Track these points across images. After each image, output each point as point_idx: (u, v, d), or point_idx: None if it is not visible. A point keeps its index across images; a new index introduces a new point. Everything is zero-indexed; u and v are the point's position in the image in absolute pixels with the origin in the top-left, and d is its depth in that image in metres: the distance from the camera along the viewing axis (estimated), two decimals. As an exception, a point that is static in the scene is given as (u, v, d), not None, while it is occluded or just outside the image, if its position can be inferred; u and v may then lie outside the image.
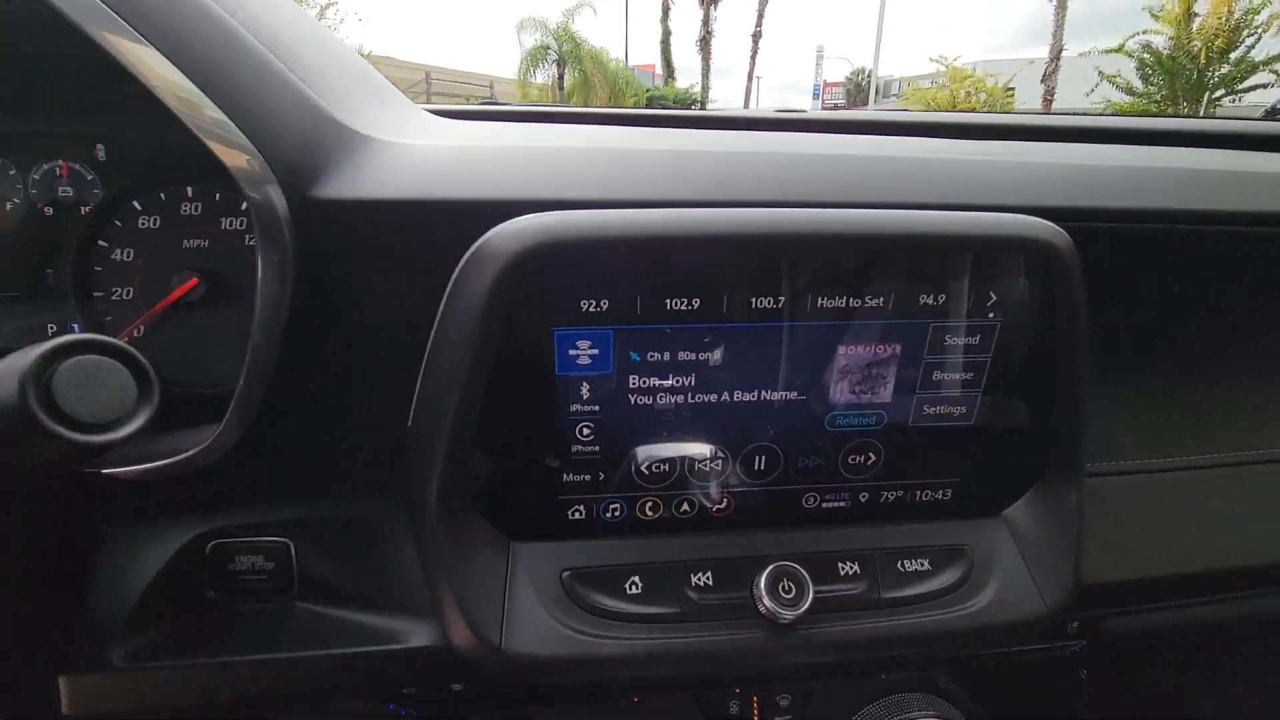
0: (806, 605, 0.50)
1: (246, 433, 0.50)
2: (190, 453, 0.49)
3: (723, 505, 0.55)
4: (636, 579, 0.52)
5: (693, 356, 0.50)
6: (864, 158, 0.58)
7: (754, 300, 0.48)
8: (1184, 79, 13.44)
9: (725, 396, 0.51)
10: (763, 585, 0.50)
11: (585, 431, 0.51)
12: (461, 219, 0.47)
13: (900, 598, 0.52)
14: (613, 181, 0.53)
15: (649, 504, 0.54)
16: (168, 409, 0.61)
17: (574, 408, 0.50)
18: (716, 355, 0.50)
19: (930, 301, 0.50)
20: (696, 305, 0.48)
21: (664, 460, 0.53)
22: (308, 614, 0.54)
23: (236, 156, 0.44)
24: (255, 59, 0.49)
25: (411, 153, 0.52)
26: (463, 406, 0.47)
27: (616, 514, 0.54)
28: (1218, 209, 0.57)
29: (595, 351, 0.49)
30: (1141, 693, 0.86)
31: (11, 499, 0.45)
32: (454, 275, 0.46)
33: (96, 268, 0.62)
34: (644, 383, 0.50)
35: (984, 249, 0.48)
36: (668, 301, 0.48)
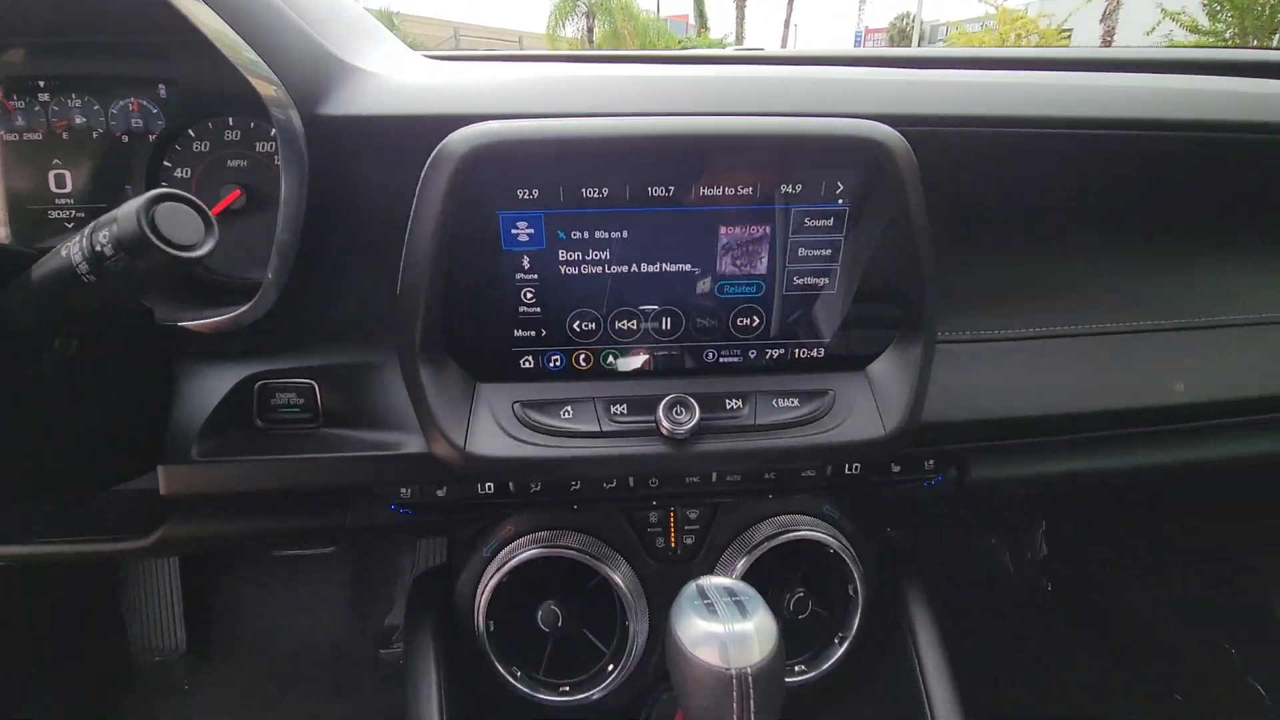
0: (693, 423, 0.66)
1: (278, 300, 0.68)
2: (238, 312, 0.68)
3: (640, 359, 0.71)
4: (569, 408, 0.69)
5: (607, 235, 0.65)
6: (750, 77, 0.72)
7: (649, 189, 0.63)
8: (1254, 15, 12.57)
9: (635, 268, 0.67)
10: (661, 410, 0.67)
11: (529, 295, 0.67)
12: (427, 129, 0.63)
13: (770, 423, 0.68)
14: (543, 99, 0.68)
15: (582, 356, 0.70)
16: (221, 293, 0.80)
17: (519, 276, 0.66)
18: (625, 234, 0.65)
19: (790, 190, 0.64)
20: (606, 193, 0.63)
21: (591, 320, 0.69)
22: (330, 435, 0.72)
23: (267, 87, 0.60)
24: (275, 11, 0.65)
25: (393, 80, 0.68)
26: (434, 274, 0.63)
27: (558, 364, 0.71)
28: (1035, 114, 0.70)
29: (531, 231, 0.64)
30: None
31: (123, 316, 0.63)
32: (423, 172, 0.62)
33: (162, 183, 0.80)
34: (570, 256, 0.66)
35: (826, 146, 0.62)
36: (583, 190, 0.63)
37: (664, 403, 0.67)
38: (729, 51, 1.13)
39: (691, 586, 0.59)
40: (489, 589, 0.76)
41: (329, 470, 0.70)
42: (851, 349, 0.72)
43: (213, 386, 0.70)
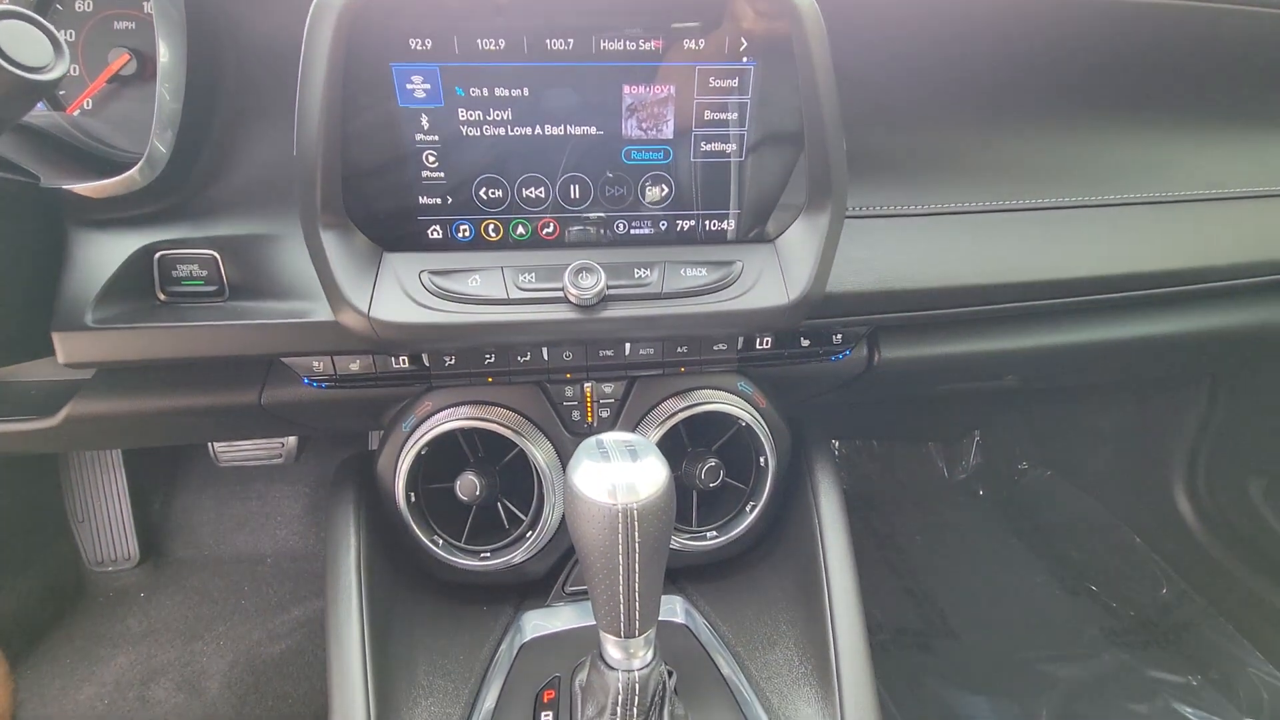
0: (599, 287, 0.66)
1: (172, 166, 0.66)
2: (127, 174, 0.65)
3: (550, 230, 0.71)
4: (477, 276, 0.68)
5: (507, 92, 0.63)
6: None
7: (548, 42, 0.61)
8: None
9: (539, 130, 0.65)
10: (567, 275, 0.67)
11: (431, 159, 0.66)
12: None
13: (677, 290, 0.69)
14: None
15: (491, 226, 0.70)
16: (115, 168, 0.77)
17: (418, 137, 0.65)
18: (526, 92, 0.63)
19: (694, 46, 0.63)
20: (503, 45, 0.61)
21: (497, 187, 0.68)
22: (236, 308, 0.71)
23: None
24: None
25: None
26: (328, 133, 0.61)
27: (466, 234, 0.70)
28: None
29: (428, 86, 0.62)
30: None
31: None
32: (306, 22, 0.59)
33: (45, 45, 0.75)
34: (470, 115, 0.64)
35: (737, 9, 0.61)
36: (479, 42, 0.61)
37: (570, 268, 0.67)
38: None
39: (591, 440, 0.61)
40: (408, 461, 0.77)
41: (233, 338, 0.69)
42: (761, 223, 0.72)
43: (108, 255, 0.68)
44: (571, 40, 0.61)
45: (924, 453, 2.06)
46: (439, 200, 0.68)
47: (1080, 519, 1.73)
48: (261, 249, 0.72)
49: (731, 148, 0.68)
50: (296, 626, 1.57)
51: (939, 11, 0.72)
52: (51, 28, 0.47)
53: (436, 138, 0.65)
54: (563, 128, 0.66)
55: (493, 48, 0.61)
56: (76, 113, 0.79)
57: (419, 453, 0.77)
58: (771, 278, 0.71)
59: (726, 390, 0.82)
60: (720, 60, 0.64)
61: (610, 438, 0.61)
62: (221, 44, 0.65)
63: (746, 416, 0.81)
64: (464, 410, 0.78)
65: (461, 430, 0.77)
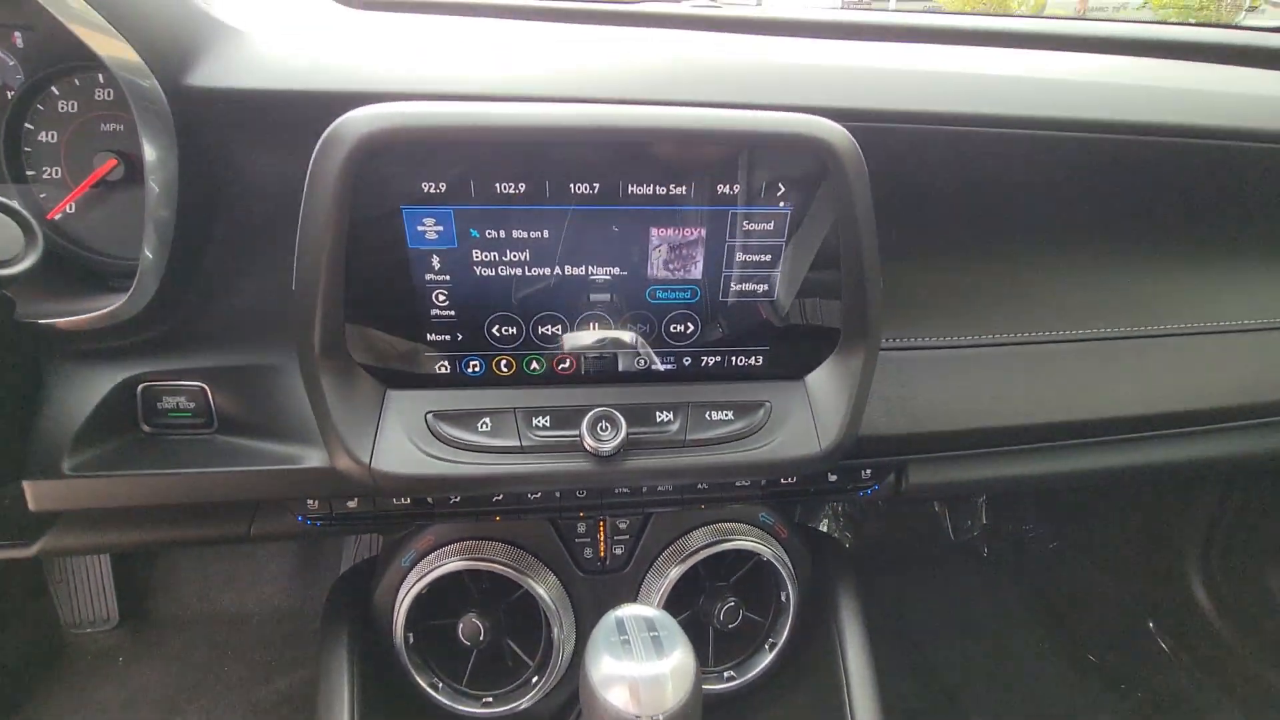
0: (620, 440, 0.62)
1: (159, 293, 0.61)
2: (114, 306, 0.60)
3: (566, 365, 0.66)
4: (487, 420, 0.64)
5: (525, 234, 0.59)
6: (688, 59, 0.64)
7: (573, 186, 0.57)
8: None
9: (558, 270, 0.61)
10: (584, 426, 0.62)
11: (441, 298, 0.61)
12: (314, 108, 0.55)
13: (702, 438, 0.65)
14: (450, 75, 0.60)
15: (503, 362, 0.65)
16: (99, 276, 0.71)
17: (429, 277, 0.60)
18: (546, 234, 0.59)
19: (728, 190, 0.58)
20: (523, 189, 0.56)
21: (511, 325, 0.63)
22: (226, 444, 0.66)
23: (107, 44, 0.51)
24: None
25: (273, 45, 0.59)
26: (330, 275, 0.57)
27: (476, 370, 0.65)
28: (993, 113, 0.65)
29: (440, 228, 0.58)
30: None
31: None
32: (311, 159, 0.54)
33: (26, 149, 0.70)
34: (486, 256, 0.59)
35: (766, 144, 0.56)
36: (497, 185, 0.56)
37: (588, 418, 0.63)
38: (682, 9, 1.04)
39: (610, 619, 0.56)
40: (407, 601, 0.72)
41: (218, 485, 0.64)
42: (790, 358, 0.68)
43: (87, 390, 0.63)
44: (598, 185, 0.57)
45: (930, 512, 2.02)
46: (448, 337, 0.63)
47: (1089, 593, 1.69)
48: (255, 381, 0.67)
49: (763, 288, 0.64)
50: (281, 700, 1.50)
51: (974, 145, 0.68)
52: (25, 213, 0.42)
53: (448, 277, 0.60)
54: (584, 268, 0.61)
55: (512, 191, 0.57)
56: (58, 217, 0.74)
57: (419, 593, 0.72)
58: (801, 422, 0.66)
59: (747, 523, 0.78)
60: (756, 204, 0.59)
61: (632, 618, 0.56)
62: (216, 163, 0.60)
63: (768, 553, 0.77)
64: (466, 546, 0.73)
65: (464, 571, 0.72)
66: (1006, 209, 0.74)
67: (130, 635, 1.62)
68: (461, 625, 0.72)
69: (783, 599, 0.79)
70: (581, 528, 0.77)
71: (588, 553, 0.77)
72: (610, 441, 0.62)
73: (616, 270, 0.61)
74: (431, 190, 0.56)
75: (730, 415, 0.66)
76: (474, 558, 0.72)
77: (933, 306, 0.74)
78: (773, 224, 0.60)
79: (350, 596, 0.79)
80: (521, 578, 0.72)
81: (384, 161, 0.54)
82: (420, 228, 0.57)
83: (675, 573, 0.74)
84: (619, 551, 0.78)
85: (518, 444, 0.63)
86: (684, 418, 0.65)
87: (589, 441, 0.62)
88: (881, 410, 0.71)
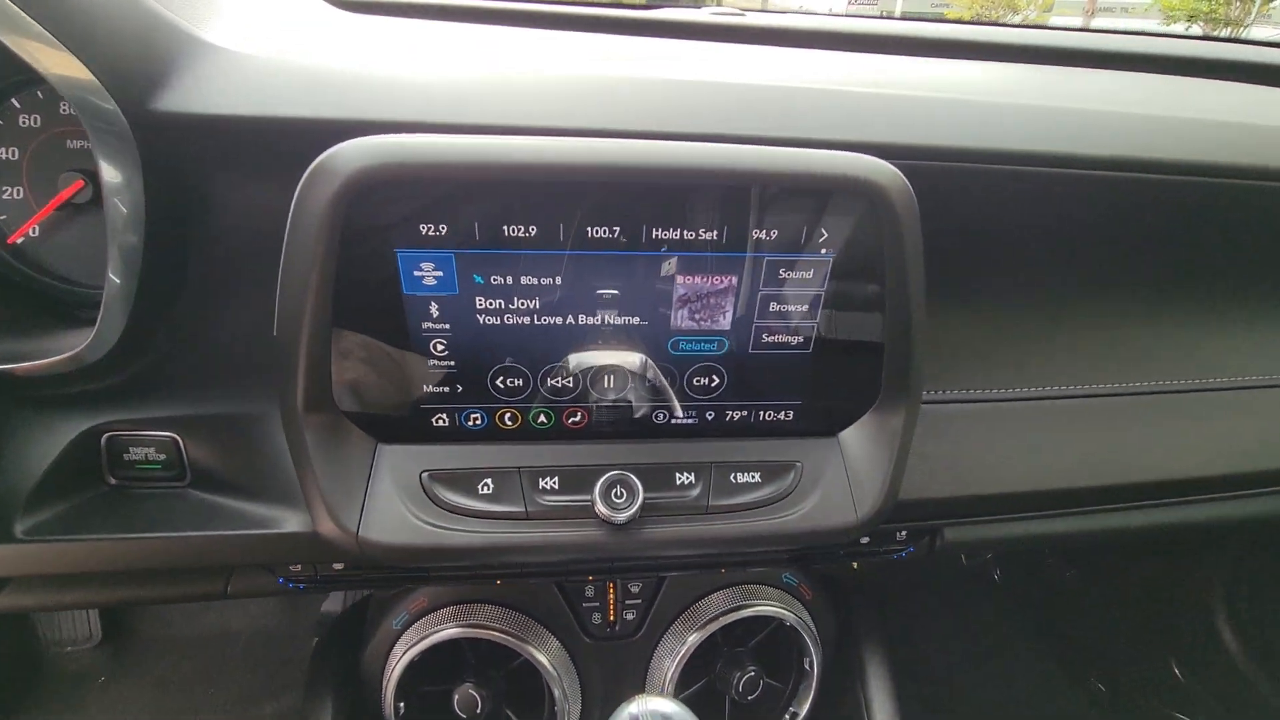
0: (636, 509, 0.56)
1: (127, 335, 0.54)
2: (76, 350, 0.53)
3: (576, 418, 0.59)
4: (489, 481, 0.57)
5: (535, 281, 0.52)
6: (719, 85, 0.58)
7: (590, 230, 0.50)
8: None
9: (570, 320, 0.54)
10: (597, 491, 0.56)
11: (439, 347, 0.55)
12: (302, 137, 0.48)
13: (727, 505, 0.58)
14: (453, 102, 0.53)
15: (507, 415, 0.59)
16: (69, 306, 0.65)
17: (425, 325, 0.53)
18: (558, 281, 0.52)
19: (763, 236, 0.52)
20: (534, 233, 0.50)
21: (517, 377, 0.57)
22: (200, 501, 0.60)
23: (53, 59, 0.44)
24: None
25: (255, 64, 0.52)
26: (314, 321, 0.50)
27: (478, 423, 0.59)
28: (1045, 150, 0.58)
29: (440, 274, 0.51)
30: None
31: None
32: (295, 195, 0.48)
33: (-17, 169, 0.63)
34: (490, 304, 0.53)
35: (812, 187, 0.50)
36: (505, 228, 0.50)
37: (601, 483, 0.56)
38: (702, 16, 0.97)
39: (624, 714, 0.50)
40: (398, 668, 0.66)
41: (194, 551, 0.58)
42: (824, 412, 0.61)
43: (45, 442, 0.57)
44: (618, 229, 0.51)
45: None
46: (446, 389, 0.57)
47: (1108, 629, 1.64)
48: (233, 432, 0.60)
49: (798, 339, 0.57)
50: (269, 727, 1.44)
51: (1028, 185, 0.62)
52: None
53: (447, 326, 0.54)
54: (600, 317, 0.55)
55: (522, 235, 0.50)
56: (19, 241, 0.67)
57: (412, 660, 0.66)
58: (836, 486, 0.60)
59: (769, 585, 0.71)
60: (794, 251, 0.53)
61: (645, 711, 0.50)
62: (188, 191, 0.53)
63: (791, 618, 0.70)
64: (462, 610, 0.67)
65: (461, 638, 0.66)
66: (1056, 251, 0.68)
67: (113, 655, 1.56)
68: (457, 696, 0.66)
69: (806, 666, 0.73)
70: (589, 591, 0.71)
71: (596, 618, 0.71)
72: (626, 510, 0.56)
73: (636, 320, 0.55)
74: (430, 232, 0.49)
75: (758, 478, 0.60)
76: (471, 624, 0.66)
77: (974, 356, 0.68)
78: (812, 272, 0.54)
79: (336, 655, 0.73)
80: (521, 646, 0.66)
81: (377, 200, 0.48)
82: (417, 273, 0.51)
83: (692, 640, 0.68)
84: (630, 617, 0.72)
85: (523, 510, 0.57)
86: (707, 480, 0.59)
87: (602, 509, 0.56)
88: (922, 470, 0.64)
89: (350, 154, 0.46)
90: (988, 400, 0.67)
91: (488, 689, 0.66)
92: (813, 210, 0.52)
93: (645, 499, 0.56)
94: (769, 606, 0.69)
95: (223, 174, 0.53)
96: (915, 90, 0.60)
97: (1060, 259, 0.67)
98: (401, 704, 0.68)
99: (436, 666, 0.68)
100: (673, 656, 0.68)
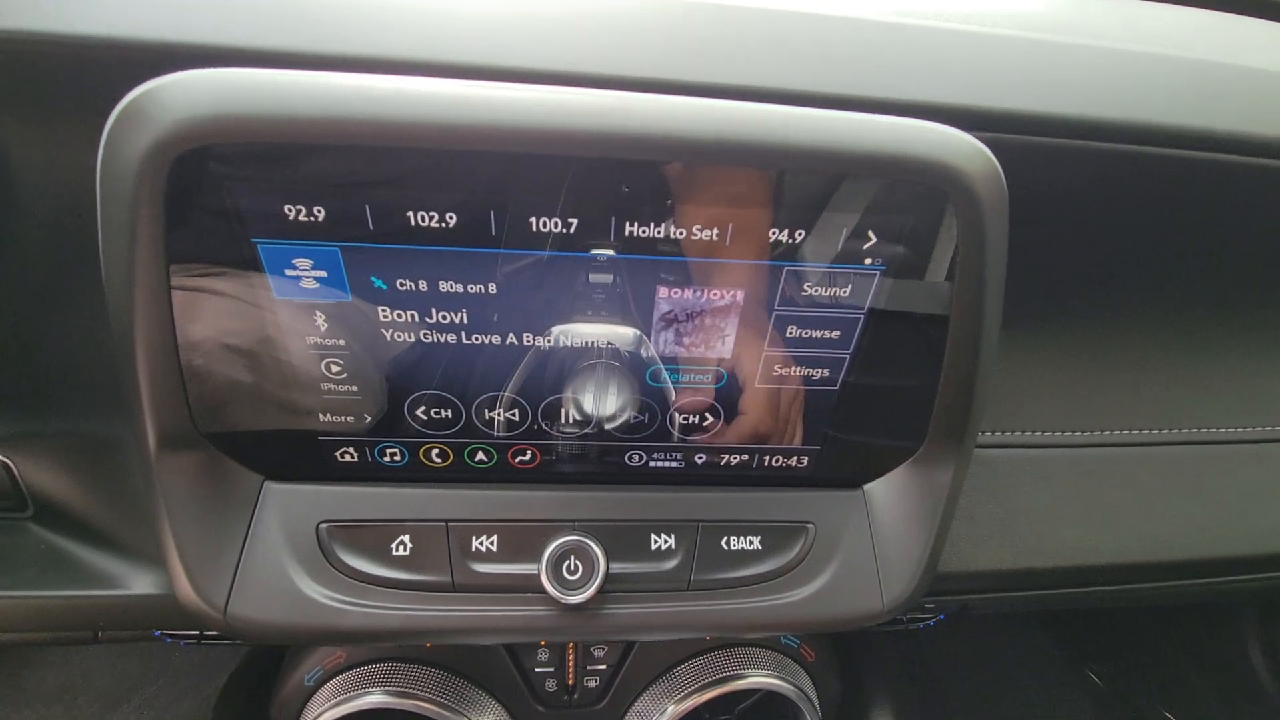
0: (593, 588, 0.42)
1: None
2: None
3: (526, 456, 0.46)
4: (406, 539, 0.44)
5: (460, 288, 0.37)
6: (731, 16, 0.41)
7: (535, 222, 0.35)
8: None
9: (512, 339, 0.40)
10: (544, 564, 0.43)
11: (334, 369, 0.40)
12: (107, 70, 0.33)
13: (714, 580, 0.45)
14: (337, 28, 0.36)
15: (435, 451, 0.45)
16: None
17: (311, 340, 0.39)
18: (492, 289, 0.37)
19: (783, 239, 0.36)
20: (453, 223, 0.35)
21: (444, 407, 0.42)
22: (40, 542, 0.47)
23: None
24: None
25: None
26: (152, 328, 0.36)
27: (397, 459, 0.45)
28: (1197, 127, 0.41)
29: (322, 274, 0.36)
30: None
31: None
32: (99, 152, 0.32)
33: None
34: (399, 316, 0.38)
35: (857, 171, 0.34)
36: (410, 215, 0.34)
37: (549, 554, 0.43)
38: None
39: None
40: (310, 732, 0.55)
41: (30, 613, 0.45)
42: (848, 458, 0.47)
43: None
44: (575, 222, 0.35)
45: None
46: (350, 418, 0.43)
47: (1128, 639, 1.54)
48: (82, 455, 0.47)
49: (823, 373, 0.43)
50: (230, 699, 1.37)
51: (1152, 171, 0.45)
52: None
53: (341, 342, 0.39)
54: (550, 338, 0.40)
55: (437, 225, 0.35)
56: None
57: (325, 725, 0.55)
58: (858, 557, 0.46)
59: (765, 648, 0.59)
60: (826, 260, 0.37)
61: None
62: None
63: (790, 689, 0.58)
64: (386, 670, 0.55)
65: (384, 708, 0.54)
66: (1156, 258, 0.51)
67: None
68: (380, 770, 0.55)
69: (802, 738, 0.62)
70: (543, 655, 0.59)
71: (550, 684, 0.59)
72: (581, 590, 0.42)
73: (603, 343, 0.40)
74: (302, 218, 0.34)
75: (756, 543, 0.46)
76: (396, 690, 0.54)
77: (1038, 387, 0.53)
78: (851, 288, 0.39)
79: (240, 711, 0.62)
80: (455, 719, 0.54)
81: (218, 167, 0.32)
82: (291, 272, 0.36)
83: (671, 713, 0.56)
84: (592, 684, 0.60)
85: (449, 580, 0.44)
86: (690, 546, 0.45)
87: (550, 587, 0.43)
88: (967, 536, 0.51)
89: (171, 95, 0.31)
90: (1054, 445, 0.53)
91: (418, 761, 0.55)
92: (859, 203, 0.36)
93: (608, 572, 0.43)
94: (764, 677, 0.57)
95: (15, 123, 0.37)
96: (1010, 28, 0.43)
97: (1181, 267, 0.51)
98: (316, 771, 0.57)
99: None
100: (643, 732, 0.57)
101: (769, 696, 0.60)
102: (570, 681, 0.59)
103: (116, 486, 0.47)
